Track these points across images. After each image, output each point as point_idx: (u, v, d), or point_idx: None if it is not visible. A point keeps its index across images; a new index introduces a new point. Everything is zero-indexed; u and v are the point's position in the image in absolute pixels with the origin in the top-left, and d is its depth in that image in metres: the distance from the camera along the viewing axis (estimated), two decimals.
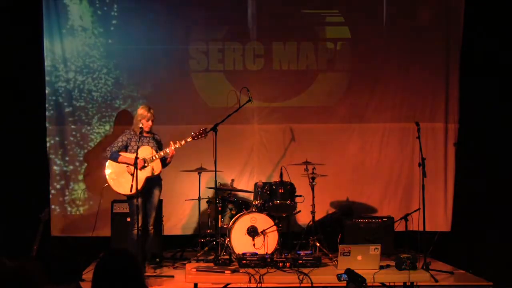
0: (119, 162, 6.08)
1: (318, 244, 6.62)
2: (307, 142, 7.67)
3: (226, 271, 5.03)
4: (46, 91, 7.42)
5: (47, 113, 7.44)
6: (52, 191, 7.44)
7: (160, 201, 6.60)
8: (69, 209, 7.49)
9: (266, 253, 5.88)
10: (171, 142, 6.08)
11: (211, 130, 6.40)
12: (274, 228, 6.22)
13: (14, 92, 7.05)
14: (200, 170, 6.92)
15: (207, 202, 7.07)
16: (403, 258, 5.03)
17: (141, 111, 6.16)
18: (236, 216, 6.38)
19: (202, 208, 7.12)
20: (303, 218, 7.33)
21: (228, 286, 5.26)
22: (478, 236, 6.79)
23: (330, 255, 6.34)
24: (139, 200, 5.94)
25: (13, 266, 2.11)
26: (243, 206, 6.72)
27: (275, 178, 6.91)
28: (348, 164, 7.73)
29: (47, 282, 2.18)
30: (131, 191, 5.79)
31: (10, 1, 7.04)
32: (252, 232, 6.21)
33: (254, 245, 6.16)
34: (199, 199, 7.02)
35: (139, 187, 5.84)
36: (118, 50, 7.59)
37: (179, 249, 7.10)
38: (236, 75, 7.67)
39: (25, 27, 7.15)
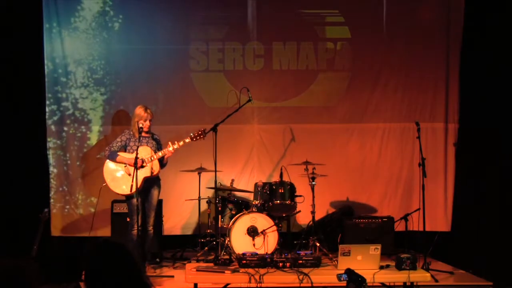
0: (117, 162, 6.09)
1: (318, 244, 6.62)
2: (307, 142, 7.67)
3: (226, 271, 5.03)
4: (46, 91, 7.42)
5: (47, 113, 7.43)
6: (52, 191, 7.43)
7: (160, 201, 6.60)
8: (68, 209, 7.48)
9: (266, 253, 5.88)
10: (170, 143, 6.07)
11: (211, 130, 6.40)
12: (274, 228, 6.22)
13: (14, 92, 7.05)
14: (200, 170, 6.93)
15: (207, 202, 7.06)
16: (403, 258, 5.03)
17: (138, 111, 6.14)
18: (236, 216, 6.37)
19: (202, 208, 7.13)
20: (303, 218, 7.33)
21: (228, 286, 5.26)
22: (478, 236, 6.80)
23: (330, 255, 6.33)
24: (138, 200, 5.94)
25: (10, 265, 2.11)
26: (243, 206, 6.72)
27: (275, 178, 6.91)
28: (348, 164, 7.73)
29: (43, 282, 2.16)
30: (131, 191, 5.79)
31: (10, 2, 7.03)
32: (252, 232, 6.21)
33: (254, 245, 6.16)
34: (199, 199, 7.03)
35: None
36: (118, 50, 7.58)
37: (179, 249, 7.09)
38: (236, 75, 7.67)
39: (25, 27, 7.15)
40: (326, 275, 5.02)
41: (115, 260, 2.29)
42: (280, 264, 5.11)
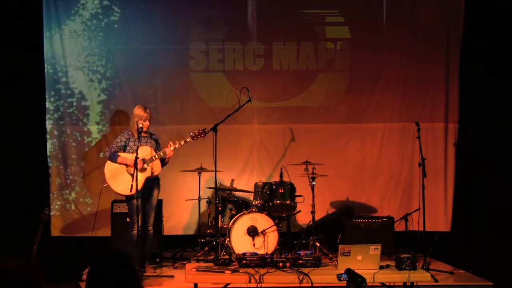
0: (118, 163, 6.08)
1: (318, 244, 6.62)
2: (307, 142, 7.67)
3: (226, 271, 5.03)
4: (46, 91, 7.42)
5: (46, 113, 7.43)
6: (52, 191, 7.43)
7: (160, 201, 6.60)
8: (68, 208, 7.49)
9: (266, 253, 5.88)
10: (171, 142, 6.07)
11: (211, 130, 6.39)
12: (274, 228, 6.22)
13: (14, 92, 7.05)
14: (200, 170, 6.93)
15: (207, 202, 7.06)
16: (403, 258, 5.03)
17: (138, 111, 6.13)
18: (236, 216, 6.37)
19: (202, 208, 7.13)
20: (303, 218, 7.33)
21: (228, 286, 5.26)
22: (478, 236, 6.80)
23: (330, 255, 6.33)
24: (139, 200, 5.93)
25: (16, 265, 2.12)
26: (243, 206, 6.72)
27: (275, 178, 6.91)
28: (348, 164, 7.72)
29: (48, 282, 2.18)
30: (131, 191, 5.79)
31: (10, 1, 7.03)
32: (252, 232, 6.21)
33: (254, 245, 6.16)
34: (199, 199, 7.03)
35: (138, 188, 5.83)
36: (118, 49, 7.58)
37: (179, 249, 7.10)
38: (236, 75, 7.67)
39: (25, 27, 7.15)
40: (326, 275, 5.02)
41: (117, 269, 2.36)
42: (280, 264, 5.11)
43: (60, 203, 7.47)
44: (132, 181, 5.76)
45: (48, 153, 7.43)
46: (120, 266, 2.37)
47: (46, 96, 7.42)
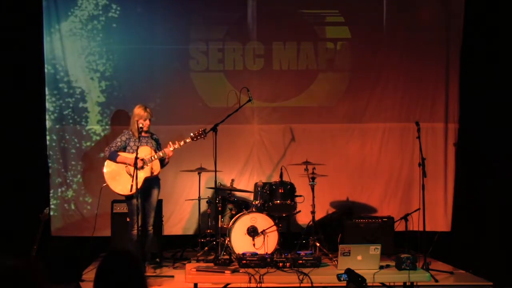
0: (118, 162, 6.08)
1: (318, 244, 6.62)
2: (307, 142, 7.67)
3: (226, 271, 5.03)
4: (46, 91, 7.42)
5: (46, 113, 7.43)
6: (52, 191, 7.44)
7: (160, 201, 6.60)
8: (68, 208, 7.48)
9: (266, 253, 5.88)
10: (170, 143, 6.07)
11: (211, 130, 6.39)
12: (274, 228, 6.22)
13: (14, 91, 7.05)
14: (200, 170, 6.92)
15: (207, 202, 7.06)
16: (403, 258, 5.03)
17: (138, 111, 6.13)
18: (236, 216, 6.38)
19: (202, 208, 7.13)
20: (303, 218, 7.33)
21: (228, 286, 5.26)
22: (478, 236, 6.80)
23: (330, 255, 6.34)
24: (138, 200, 5.92)
25: (16, 265, 2.12)
26: (243, 206, 6.72)
27: (275, 178, 6.91)
28: (348, 164, 7.73)
29: (48, 282, 2.17)
30: (131, 191, 5.79)
31: (10, 1, 7.03)
32: (252, 232, 6.21)
33: (254, 245, 6.16)
34: (199, 199, 7.03)
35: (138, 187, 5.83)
36: (118, 49, 7.58)
37: (179, 249, 7.10)
38: (236, 75, 7.67)
39: (25, 27, 7.15)
40: (326, 275, 5.02)
41: (125, 269, 2.39)
42: (280, 264, 5.11)
43: (59, 203, 7.47)
44: (132, 181, 5.76)
45: (48, 153, 7.43)
46: (129, 266, 2.37)
47: (46, 96, 7.43)
